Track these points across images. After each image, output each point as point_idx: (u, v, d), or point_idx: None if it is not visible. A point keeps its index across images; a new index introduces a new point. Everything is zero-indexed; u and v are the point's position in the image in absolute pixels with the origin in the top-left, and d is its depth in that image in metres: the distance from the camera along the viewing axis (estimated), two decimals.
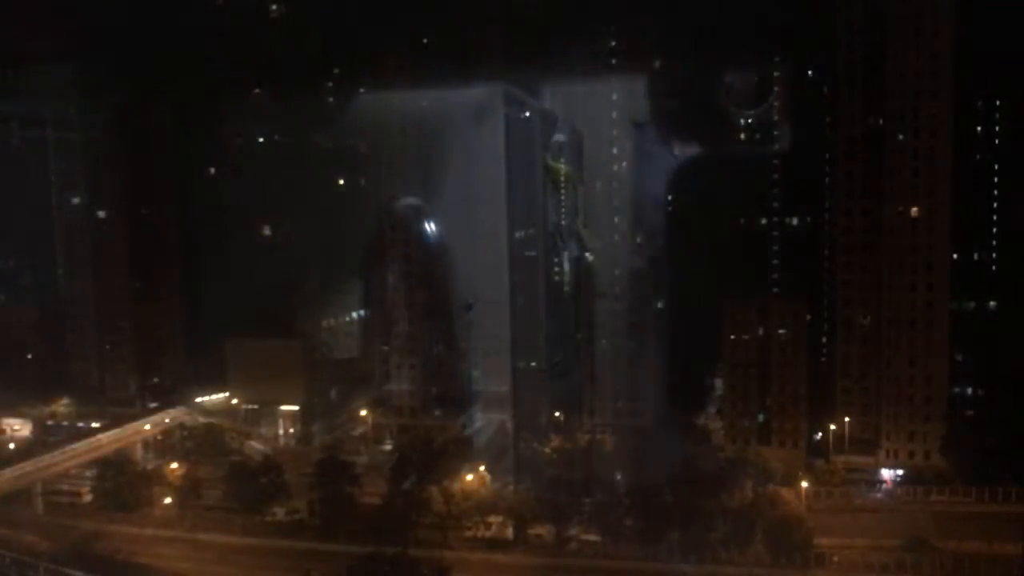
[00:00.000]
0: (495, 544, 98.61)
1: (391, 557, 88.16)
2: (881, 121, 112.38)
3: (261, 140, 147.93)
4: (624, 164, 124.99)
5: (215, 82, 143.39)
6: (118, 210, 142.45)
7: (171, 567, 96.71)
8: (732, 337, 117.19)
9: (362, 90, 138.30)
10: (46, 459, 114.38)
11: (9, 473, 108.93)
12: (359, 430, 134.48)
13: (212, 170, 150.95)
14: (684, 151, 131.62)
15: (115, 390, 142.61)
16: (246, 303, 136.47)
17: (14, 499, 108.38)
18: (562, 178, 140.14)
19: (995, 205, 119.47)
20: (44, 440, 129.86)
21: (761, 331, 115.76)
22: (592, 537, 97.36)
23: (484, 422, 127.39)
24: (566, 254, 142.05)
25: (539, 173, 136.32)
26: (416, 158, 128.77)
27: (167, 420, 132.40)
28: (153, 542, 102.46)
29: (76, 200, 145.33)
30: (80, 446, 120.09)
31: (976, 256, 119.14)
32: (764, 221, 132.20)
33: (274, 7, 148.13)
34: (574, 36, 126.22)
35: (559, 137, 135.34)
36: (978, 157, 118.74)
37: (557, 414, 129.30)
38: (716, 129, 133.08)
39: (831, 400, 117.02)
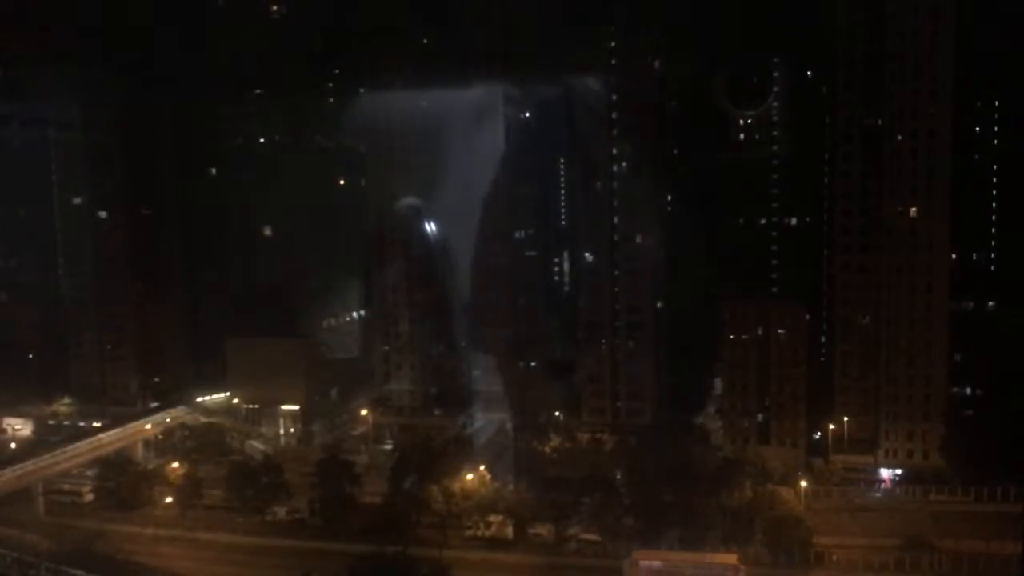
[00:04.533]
0: (495, 543, 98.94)
1: (391, 556, 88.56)
2: (880, 121, 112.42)
3: (261, 140, 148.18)
4: (624, 164, 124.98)
5: (215, 82, 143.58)
6: (119, 210, 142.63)
7: (172, 566, 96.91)
8: (731, 337, 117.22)
9: (362, 90, 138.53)
10: (47, 459, 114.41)
11: (10, 473, 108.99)
12: (359, 430, 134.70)
13: (212, 170, 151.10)
14: (684, 151, 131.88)
15: (116, 390, 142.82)
16: (247, 303, 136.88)
17: (15, 498, 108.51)
18: (562, 178, 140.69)
19: (994, 205, 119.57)
20: (45, 439, 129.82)
21: (760, 331, 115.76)
22: (592, 536, 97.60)
23: (484, 422, 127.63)
24: (566, 254, 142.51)
25: (539, 173, 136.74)
26: (416, 158, 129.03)
27: (168, 420, 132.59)
28: (154, 541, 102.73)
29: (77, 200, 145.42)
30: (81, 446, 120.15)
31: (975, 256, 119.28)
32: (764, 221, 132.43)
33: (274, 7, 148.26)
34: (574, 36, 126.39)
35: (558, 137, 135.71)
36: (977, 157, 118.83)
37: (557, 414, 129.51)
38: (716, 129, 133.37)
39: (830, 400, 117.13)
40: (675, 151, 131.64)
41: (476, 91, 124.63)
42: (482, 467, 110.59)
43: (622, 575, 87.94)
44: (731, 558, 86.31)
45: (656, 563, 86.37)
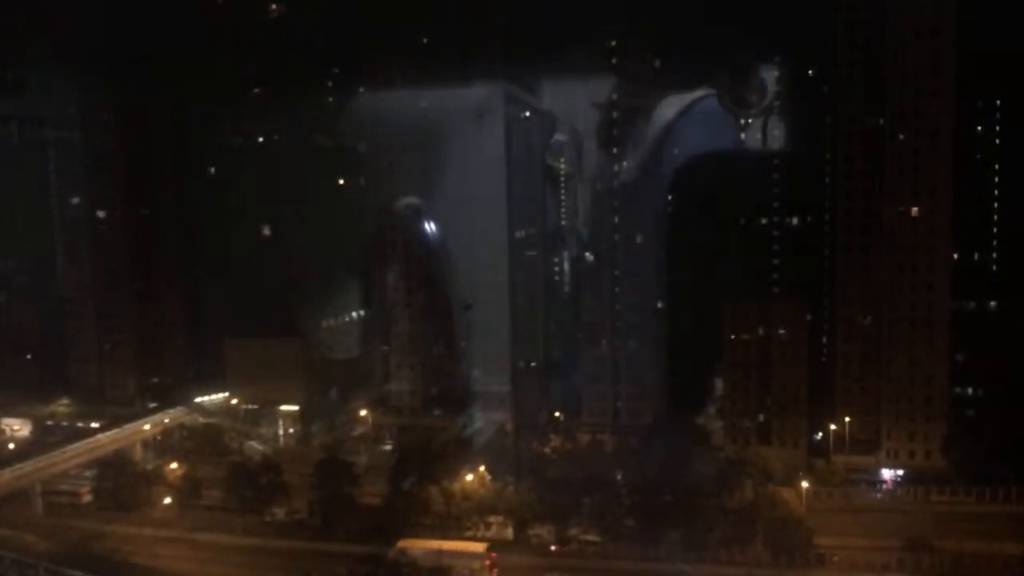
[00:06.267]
0: (495, 544, 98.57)
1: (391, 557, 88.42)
2: (881, 120, 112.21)
3: (261, 140, 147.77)
4: (624, 164, 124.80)
5: (215, 82, 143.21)
6: (118, 210, 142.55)
7: (171, 567, 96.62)
8: (732, 337, 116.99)
9: (362, 90, 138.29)
10: (46, 459, 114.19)
11: (9, 473, 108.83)
12: (359, 430, 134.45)
13: (212, 170, 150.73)
14: (684, 150, 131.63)
15: (115, 390, 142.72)
16: (246, 303, 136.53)
17: (14, 499, 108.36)
18: (562, 178, 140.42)
19: (996, 205, 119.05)
20: (44, 440, 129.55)
21: (761, 331, 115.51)
22: (592, 537, 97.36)
23: (484, 422, 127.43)
24: (566, 254, 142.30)
25: (539, 173, 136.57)
26: (416, 158, 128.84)
27: (167, 420, 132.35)
28: (153, 542, 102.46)
29: (76, 200, 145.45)
30: (80, 446, 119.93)
31: (977, 256, 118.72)
32: (764, 221, 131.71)
33: (274, 7, 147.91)
34: (574, 36, 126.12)
35: (559, 137, 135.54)
36: (979, 157, 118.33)
37: (557, 414, 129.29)
38: (716, 129, 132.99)
39: (831, 400, 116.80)
40: (675, 151, 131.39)
41: (476, 91, 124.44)
42: (482, 468, 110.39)
43: (390, 561, 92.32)
44: (481, 546, 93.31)
45: (419, 550, 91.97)
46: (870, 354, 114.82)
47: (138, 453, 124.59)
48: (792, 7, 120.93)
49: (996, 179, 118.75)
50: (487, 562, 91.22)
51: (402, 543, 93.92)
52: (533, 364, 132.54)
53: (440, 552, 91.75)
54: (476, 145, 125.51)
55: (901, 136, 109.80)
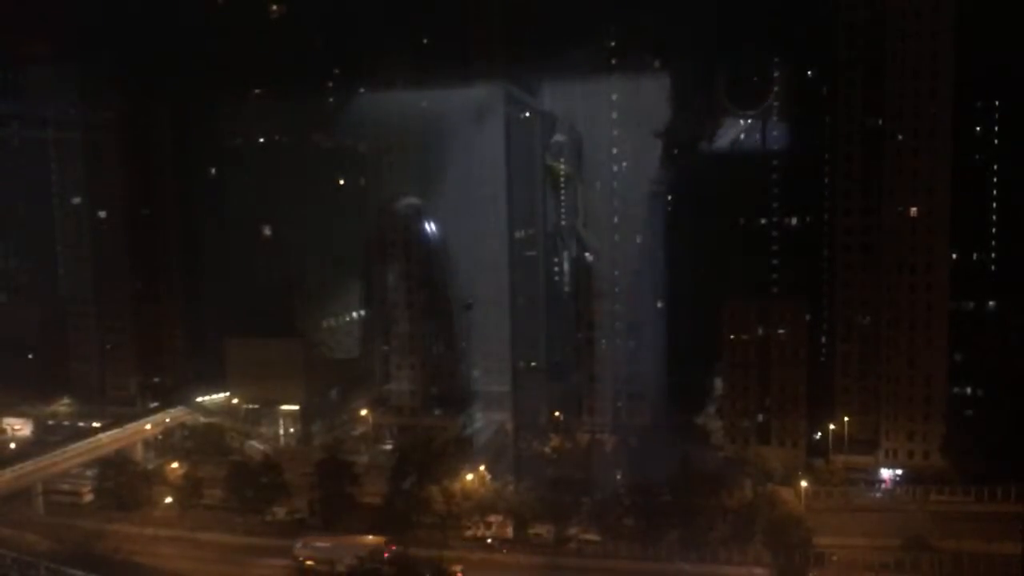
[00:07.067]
0: (495, 543, 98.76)
1: (391, 556, 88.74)
2: (881, 121, 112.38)
3: (261, 140, 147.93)
4: (624, 164, 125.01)
5: (215, 82, 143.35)
6: (118, 210, 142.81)
7: (171, 567, 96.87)
8: (732, 337, 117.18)
9: (362, 90, 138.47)
10: (47, 459, 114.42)
11: (10, 473, 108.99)
12: (359, 430, 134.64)
13: (212, 170, 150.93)
14: (683, 151, 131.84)
15: (116, 390, 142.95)
16: (246, 303, 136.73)
17: (15, 499, 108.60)
18: (562, 178, 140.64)
19: (994, 205, 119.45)
20: (45, 439, 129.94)
21: (761, 331, 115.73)
22: (592, 537, 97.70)
23: (484, 422, 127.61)
24: (566, 254, 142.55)
25: (539, 173, 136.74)
26: (416, 158, 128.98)
27: (168, 420, 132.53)
28: (154, 541, 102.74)
29: (76, 200, 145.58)
30: (81, 446, 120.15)
31: (975, 256, 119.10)
32: (764, 221, 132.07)
33: (274, 7, 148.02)
34: (574, 36, 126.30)
35: (559, 137, 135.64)
36: (977, 157, 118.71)
37: (557, 414, 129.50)
38: (716, 129, 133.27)
39: (830, 400, 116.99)
40: (675, 151, 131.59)
41: (476, 91, 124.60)
42: (482, 467, 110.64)
43: (294, 555, 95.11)
44: (380, 540, 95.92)
45: (322, 544, 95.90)
46: (869, 354, 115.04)
47: (139, 453, 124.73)
48: (792, 7, 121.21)
49: (995, 179, 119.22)
50: (385, 555, 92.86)
51: (305, 539, 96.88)
52: (533, 364, 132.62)
53: (340, 546, 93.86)
54: (476, 145, 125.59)
55: (900, 136, 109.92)
